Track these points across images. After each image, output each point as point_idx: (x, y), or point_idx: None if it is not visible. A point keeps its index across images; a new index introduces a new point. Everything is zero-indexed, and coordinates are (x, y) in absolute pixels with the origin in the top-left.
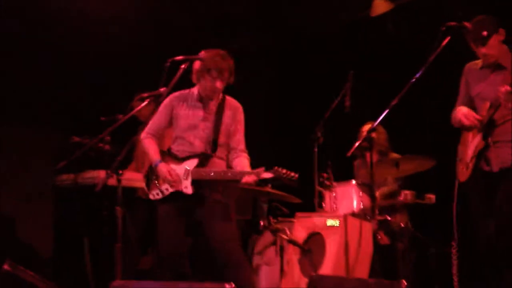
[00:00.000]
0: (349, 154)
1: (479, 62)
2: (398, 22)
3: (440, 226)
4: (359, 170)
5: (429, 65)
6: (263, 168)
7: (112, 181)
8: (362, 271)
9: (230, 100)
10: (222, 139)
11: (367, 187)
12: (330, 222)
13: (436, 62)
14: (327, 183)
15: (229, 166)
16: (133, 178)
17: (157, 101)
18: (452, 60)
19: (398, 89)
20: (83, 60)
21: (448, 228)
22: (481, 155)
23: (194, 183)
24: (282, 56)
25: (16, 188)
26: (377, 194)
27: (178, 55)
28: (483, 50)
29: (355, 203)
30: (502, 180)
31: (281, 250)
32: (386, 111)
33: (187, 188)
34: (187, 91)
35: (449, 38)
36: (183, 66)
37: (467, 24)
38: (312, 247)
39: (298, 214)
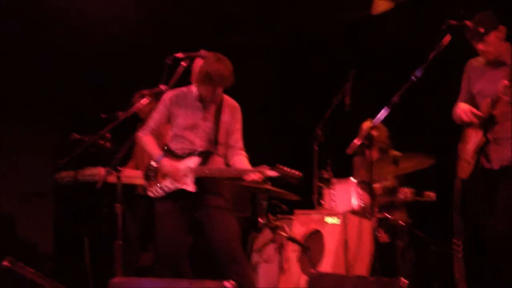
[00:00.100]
0: (348, 151)
1: (481, 59)
2: (398, 21)
3: (439, 224)
4: (359, 167)
5: (429, 63)
6: (267, 166)
7: (112, 178)
8: (361, 268)
9: (228, 99)
10: (221, 138)
11: (367, 185)
12: (329, 219)
13: (436, 60)
14: (326, 178)
15: (227, 164)
16: (133, 175)
17: (157, 98)
18: (452, 59)
19: (398, 88)
20: (83, 59)
21: (448, 226)
22: (482, 151)
23: (197, 181)
24: (282, 56)
25: (17, 186)
26: (378, 186)
27: (178, 53)
28: (480, 47)
29: (354, 200)
30: (502, 178)
31: (280, 247)
32: (386, 109)
33: (189, 185)
34: (185, 89)
35: (449, 36)
36: (183, 63)
37: (468, 22)
38: (312, 244)
39: (297, 211)
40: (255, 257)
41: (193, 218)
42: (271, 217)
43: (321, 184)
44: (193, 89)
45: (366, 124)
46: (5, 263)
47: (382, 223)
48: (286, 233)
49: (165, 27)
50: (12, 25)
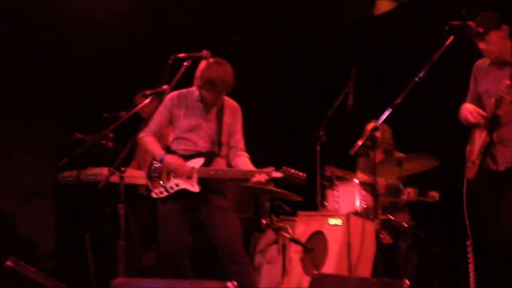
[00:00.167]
0: (352, 152)
1: (487, 60)
2: (401, 21)
3: (442, 225)
4: (362, 168)
5: (432, 64)
6: (273, 168)
7: (115, 178)
8: (364, 270)
9: (228, 100)
10: (224, 139)
11: (370, 186)
12: (332, 221)
13: (439, 61)
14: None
15: (229, 165)
16: (135, 175)
17: (159, 98)
18: (455, 60)
19: (401, 88)
20: (83, 59)
21: (451, 227)
22: (486, 151)
23: (200, 181)
24: (282, 56)
25: (17, 186)
26: (381, 182)
27: (179, 53)
28: (482, 46)
29: (357, 202)
30: (508, 180)
31: (283, 248)
32: (389, 110)
33: (194, 186)
34: (186, 90)
35: (452, 37)
36: (186, 63)
37: (471, 23)
38: (314, 245)
39: (300, 212)
40: (258, 258)
41: (195, 218)
42: (274, 218)
43: (325, 183)
44: (194, 90)
45: (370, 126)
46: (8, 263)
47: (385, 225)
48: (289, 234)
49: (166, 26)
50: (12, 25)
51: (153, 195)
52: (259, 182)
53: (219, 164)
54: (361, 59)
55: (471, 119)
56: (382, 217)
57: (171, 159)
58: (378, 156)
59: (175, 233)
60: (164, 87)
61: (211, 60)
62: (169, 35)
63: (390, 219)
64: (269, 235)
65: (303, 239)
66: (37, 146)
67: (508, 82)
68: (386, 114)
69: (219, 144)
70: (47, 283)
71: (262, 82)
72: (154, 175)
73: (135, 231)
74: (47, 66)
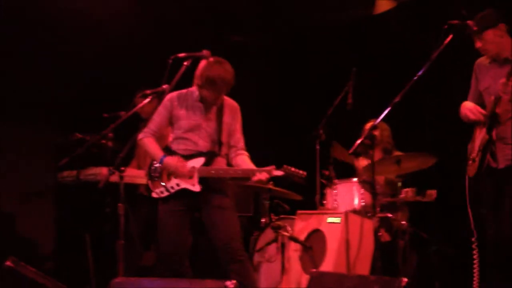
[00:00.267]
0: (351, 151)
1: (488, 57)
2: (400, 20)
3: (440, 223)
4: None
5: (431, 63)
6: (273, 166)
7: (115, 178)
8: (363, 268)
9: (228, 100)
10: (224, 138)
11: (369, 185)
12: (331, 219)
13: (438, 60)
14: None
15: (229, 164)
16: (135, 174)
17: (159, 98)
18: (454, 58)
19: (400, 87)
20: (83, 59)
21: (449, 225)
22: (486, 149)
23: (201, 180)
24: (282, 55)
25: (17, 186)
26: (381, 178)
27: (179, 53)
28: (478, 44)
29: (356, 200)
30: (508, 179)
31: (282, 247)
32: (388, 108)
33: (195, 186)
34: (185, 91)
35: (451, 36)
36: (186, 63)
37: (470, 22)
38: (313, 244)
39: (300, 211)
40: (257, 257)
41: (195, 218)
42: (273, 217)
43: (323, 181)
44: (194, 90)
45: (369, 125)
46: (8, 263)
47: (384, 223)
48: (288, 233)
49: (166, 26)
50: (12, 25)
51: (154, 195)
52: (259, 181)
53: (220, 163)
54: (361, 59)
55: (471, 116)
56: (381, 215)
57: (171, 160)
58: (377, 155)
59: (175, 233)
60: (164, 87)
61: (211, 59)
62: (169, 35)
63: (389, 217)
64: (268, 233)
65: (302, 237)
66: (37, 146)
67: (504, 80)
68: (385, 113)
69: (219, 143)
70: (47, 283)
71: (262, 82)
72: (155, 175)
73: (135, 231)
74: (47, 66)
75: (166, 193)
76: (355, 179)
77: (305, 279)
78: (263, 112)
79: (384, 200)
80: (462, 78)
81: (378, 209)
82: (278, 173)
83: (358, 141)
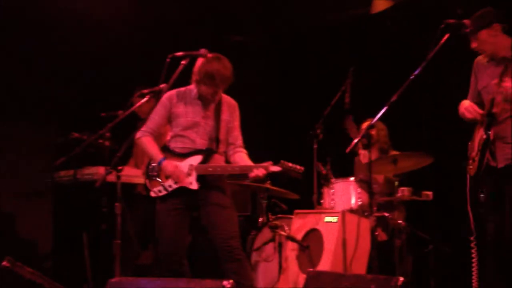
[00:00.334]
0: (348, 150)
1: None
2: (397, 20)
3: (437, 222)
4: (359, 167)
5: (428, 62)
6: (271, 162)
7: (112, 177)
8: (359, 267)
9: (226, 97)
10: (222, 136)
11: (366, 184)
12: (328, 218)
13: (434, 59)
14: (325, 176)
15: (227, 162)
16: (132, 174)
17: (157, 97)
18: (450, 58)
19: (398, 86)
20: (83, 59)
21: (446, 224)
22: (484, 149)
23: (199, 178)
24: (282, 54)
25: (16, 185)
26: (380, 176)
27: (178, 52)
28: (473, 45)
29: (353, 199)
30: (508, 179)
31: (280, 246)
32: (385, 108)
33: (192, 184)
34: (184, 89)
35: (448, 35)
36: (183, 62)
37: (466, 21)
38: (311, 243)
39: (297, 211)
40: (254, 256)
41: (195, 215)
42: (270, 216)
43: (322, 177)
44: (192, 88)
45: (366, 124)
46: (4, 263)
47: (380, 222)
48: (286, 232)
49: (165, 26)
50: (12, 25)
51: (152, 194)
52: (257, 177)
53: (217, 161)
54: (360, 58)
55: (468, 115)
56: (378, 214)
57: (169, 165)
58: (373, 154)
59: (174, 233)
60: (162, 86)
61: (209, 55)
62: (169, 35)
63: (385, 216)
64: (266, 233)
65: (299, 236)
66: (37, 146)
67: (496, 80)
68: (382, 112)
69: (217, 141)
70: (44, 284)
71: (262, 82)
72: (152, 174)
73: (132, 230)
74: (47, 66)
75: (164, 192)
76: (352, 178)
77: (302, 278)
78: (263, 111)
79: (381, 199)
80: (459, 77)
81: (375, 208)
82: (275, 168)
83: (355, 140)
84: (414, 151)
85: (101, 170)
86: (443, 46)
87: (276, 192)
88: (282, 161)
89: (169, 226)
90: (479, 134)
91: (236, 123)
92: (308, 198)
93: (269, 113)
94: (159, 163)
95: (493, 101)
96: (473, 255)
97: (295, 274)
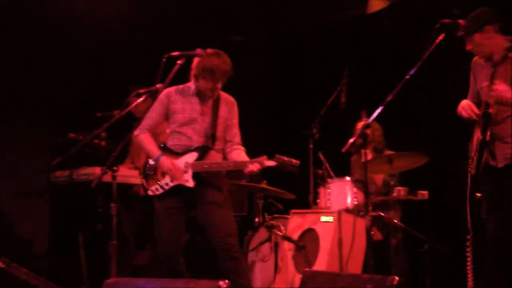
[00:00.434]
0: (344, 150)
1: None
2: (393, 20)
3: (432, 222)
4: (355, 166)
5: (423, 62)
6: (265, 156)
7: (107, 178)
8: (355, 266)
9: (224, 95)
10: (219, 133)
11: (362, 184)
12: (324, 218)
13: (430, 59)
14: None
15: (225, 159)
16: (128, 174)
17: (153, 97)
18: (446, 57)
19: (394, 85)
20: (83, 58)
21: (442, 224)
22: (482, 149)
23: (195, 176)
24: (282, 54)
25: (12, 185)
26: (379, 177)
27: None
28: (467, 47)
29: (349, 199)
30: (507, 179)
31: (276, 246)
32: (381, 107)
33: (189, 181)
34: (182, 86)
35: (443, 35)
36: (179, 62)
37: (461, 21)
38: (307, 243)
39: (293, 210)
40: (250, 256)
41: (193, 213)
42: (267, 216)
43: (319, 176)
44: (191, 85)
45: (361, 124)
46: None
47: (376, 221)
48: (282, 232)
49: (165, 26)
50: (12, 25)
51: (149, 192)
52: (252, 172)
53: (214, 158)
54: (360, 58)
55: (464, 114)
56: (373, 214)
57: (166, 161)
58: (368, 154)
59: (172, 232)
60: (158, 86)
61: (208, 50)
62: (169, 35)
63: (381, 216)
64: (262, 233)
65: (295, 236)
66: (33, 143)
67: (487, 83)
68: (377, 112)
69: (213, 137)
70: (40, 285)
71: (262, 82)
72: (150, 172)
73: (128, 230)
74: (47, 66)
75: (161, 190)
76: (348, 178)
77: (298, 278)
78: (263, 111)
79: (377, 198)
80: (454, 76)
81: (370, 208)
82: (270, 163)
83: (351, 140)
84: (410, 151)
85: (97, 170)
86: (439, 45)
87: (272, 192)
88: (277, 155)
89: (167, 226)
90: (477, 134)
91: (235, 120)
92: (304, 198)
93: (269, 113)
94: (157, 160)
95: (487, 104)
96: (468, 254)
97: (291, 274)
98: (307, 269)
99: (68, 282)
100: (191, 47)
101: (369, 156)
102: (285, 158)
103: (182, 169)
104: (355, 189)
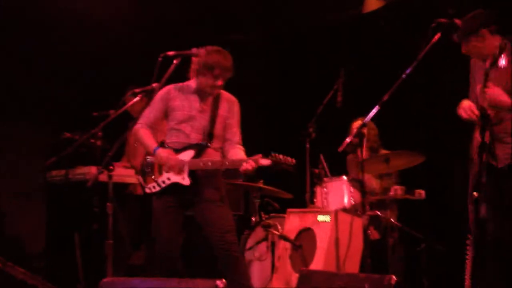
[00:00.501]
0: (340, 149)
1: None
2: (389, 19)
3: (430, 221)
4: (351, 166)
5: (419, 61)
6: (260, 155)
7: (103, 177)
8: (352, 266)
9: (225, 94)
10: (218, 131)
11: (358, 183)
12: (321, 217)
13: (426, 58)
14: (320, 176)
15: (223, 158)
16: (124, 173)
17: (149, 96)
18: (442, 56)
19: (391, 85)
20: (83, 58)
21: (439, 223)
22: (481, 150)
23: (191, 174)
24: (282, 53)
25: (12, 185)
26: (377, 184)
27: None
28: (463, 50)
29: (346, 198)
30: (508, 180)
31: (273, 245)
32: (377, 107)
33: (184, 179)
34: (182, 83)
35: (439, 34)
36: (175, 61)
37: (457, 21)
38: (303, 242)
39: (290, 210)
40: (247, 255)
41: (190, 211)
42: (263, 215)
43: (316, 175)
44: (191, 83)
45: (356, 123)
46: None
47: (373, 221)
48: (278, 231)
49: (165, 26)
50: (12, 25)
51: (147, 190)
52: (247, 171)
53: (211, 156)
54: (358, 58)
55: (464, 115)
56: (370, 213)
57: (162, 152)
58: (364, 154)
59: (169, 230)
60: (154, 85)
61: (210, 48)
62: (169, 35)
63: (378, 215)
64: (259, 232)
65: (292, 236)
66: (29, 143)
67: (480, 86)
68: (374, 111)
69: (211, 135)
70: (36, 284)
71: (262, 81)
72: (147, 170)
73: (124, 230)
74: (47, 66)
75: (158, 188)
76: (345, 178)
77: (295, 277)
78: (263, 111)
79: (374, 198)
80: (451, 76)
81: (367, 207)
82: (265, 162)
83: (347, 140)
84: (406, 150)
85: (93, 169)
86: (435, 45)
87: (269, 191)
88: (272, 154)
89: (165, 225)
90: (476, 134)
91: (235, 119)
92: (301, 197)
93: (269, 113)
94: (154, 152)
95: (482, 108)
96: (468, 253)
97: (288, 273)
98: (304, 269)
99: (64, 282)
100: (191, 47)
101: (365, 156)
102: (281, 157)
103: (179, 160)
104: (352, 189)
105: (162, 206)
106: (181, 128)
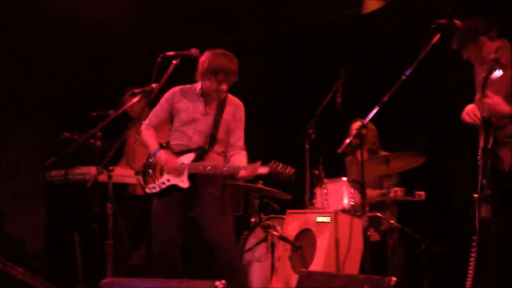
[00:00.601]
0: (340, 150)
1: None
2: (389, 19)
3: (429, 223)
4: (350, 167)
5: (419, 62)
6: (259, 162)
7: (103, 177)
8: (352, 267)
9: (231, 98)
10: (221, 135)
11: (358, 184)
12: (320, 218)
13: (426, 59)
14: (318, 179)
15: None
16: (123, 174)
17: (148, 97)
18: (442, 57)
19: (390, 86)
20: (83, 58)
21: (438, 224)
22: (485, 153)
23: (191, 177)
24: (282, 55)
25: (12, 185)
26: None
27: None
28: (463, 57)
29: (346, 199)
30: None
31: (272, 246)
32: (376, 108)
33: (183, 182)
34: (189, 86)
35: (439, 35)
36: (174, 61)
37: (457, 21)
38: (303, 243)
39: (289, 211)
40: (247, 256)
41: (189, 213)
42: (263, 216)
43: (315, 176)
44: (197, 85)
45: (356, 125)
46: None
47: (373, 222)
48: (278, 232)
49: (165, 26)
50: (12, 25)
51: (147, 190)
52: (245, 177)
53: (213, 160)
54: (359, 58)
55: (467, 119)
56: (370, 214)
57: (162, 154)
58: (364, 155)
59: (168, 231)
60: (153, 85)
61: (216, 50)
62: (169, 35)
63: (378, 217)
64: (258, 233)
65: (291, 237)
66: (29, 142)
67: (478, 96)
68: (373, 112)
69: (213, 139)
70: (36, 284)
71: (262, 82)
72: (148, 170)
73: (123, 230)
74: (47, 66)
75: (157, 189)
76: (344, 179)
77: (294, 278)
78: (263, 111)
79: (373, 199)
80: (451, 76)
81: (367, 208)
82: (263, 170)
83: (347, 141)
84: (405, 151)
85: (92, 170)
86: (435, 45)
87: (269, 192)
88: (272, 163)
89: (165, 225)
90: (480, 138)
91: (240, 124)
92: (301, 198)
93: (269, 113)
94: (154, 154)
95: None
96: (472, 255)
97: (287, 274)
98: (304, 270)
99: (64, 282)
100: (191, 47)
101: (364, 157)
102: (280, 167)
103: (179, 163)
104: (351, 190)
105: (162, 207)
106: (185, 130)
